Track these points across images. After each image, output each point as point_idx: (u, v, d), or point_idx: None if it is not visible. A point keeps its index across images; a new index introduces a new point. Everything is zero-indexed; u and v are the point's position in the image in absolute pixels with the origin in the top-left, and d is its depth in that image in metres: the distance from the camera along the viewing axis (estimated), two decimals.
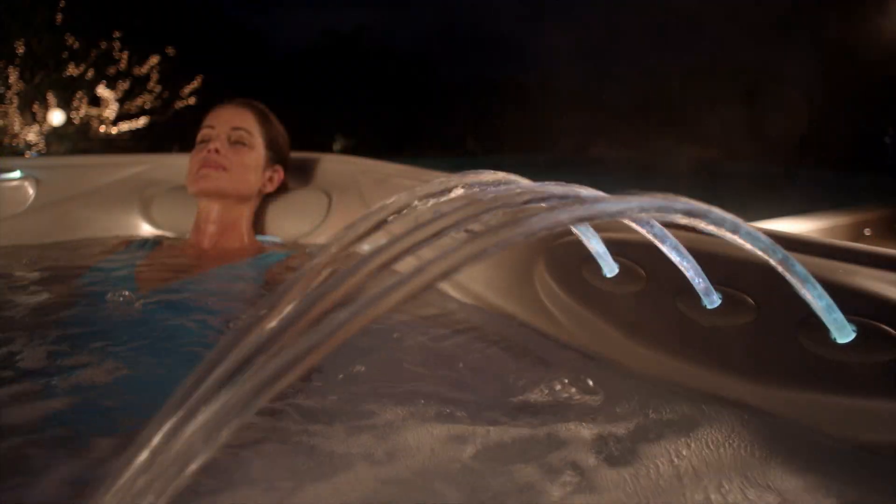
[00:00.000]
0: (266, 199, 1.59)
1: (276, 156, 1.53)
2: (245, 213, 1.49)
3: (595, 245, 0.88)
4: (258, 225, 1.58)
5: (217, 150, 1.42)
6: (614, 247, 0.92)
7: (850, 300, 0.68)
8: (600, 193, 0.54)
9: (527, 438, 0.71)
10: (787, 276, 0.60)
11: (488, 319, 1.10)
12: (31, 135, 9.96)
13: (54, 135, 10.11)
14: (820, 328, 0.69)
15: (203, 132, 1.47)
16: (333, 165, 1.74)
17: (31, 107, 9.94)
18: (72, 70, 10.16)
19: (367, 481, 0.63)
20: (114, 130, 10.84)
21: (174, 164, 1.71)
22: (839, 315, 0.64)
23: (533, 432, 0.72)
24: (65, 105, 10.19)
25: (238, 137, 1.45)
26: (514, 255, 1.12)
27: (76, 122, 10.49)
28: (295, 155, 1.66)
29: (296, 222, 1.60)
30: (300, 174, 1.72)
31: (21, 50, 9.68)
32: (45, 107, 10.02)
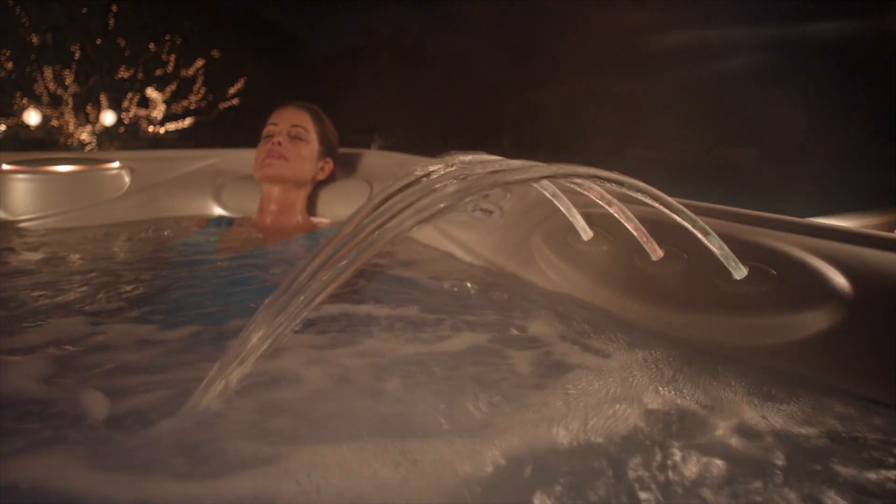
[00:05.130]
0: (318, 187, 1.90)
1: (327, 150, 1.84)
2: (301, 196, 1.81)
3: (576, 216, 1.17)
4: (311, 208, 1.89)
5: (279, 143, 1.73)
6: (591, 218, 1.20)
7: (747, 250, 0.96)
8: (534, 163, 0.82)
9: (516, 354, 1.00)
10: (690, 227, 0.88)
11: (495, 276, 1.39)
12: (85, 134, 10.47)
13: (106, 134, 10.59)
14: (727, 272, 0.97)
15: (268, 128, 1.79)
16: (374, 159, 2.05)
17: (84, 108, 10.45)
18: (123, 72, 10.59)
19: (398, 361, 0.92)
20: (161, 130, 11.32)
21: (240, 158, 2.04)
22: (728, 253, 0.91)
23: (521, 348, 1.01)
24: (116, 106, 10.65)
25: (297, 133, 1.77)
26: (515, 227, 1.41)
27: (126, 122, 10.94)
28: (342, 151, 1.97)
29: (342, 206, 1.91)
30: (346, 166, 2.03)
31: (77, 55, 10.12)
32: (98, 108, 10.51)
